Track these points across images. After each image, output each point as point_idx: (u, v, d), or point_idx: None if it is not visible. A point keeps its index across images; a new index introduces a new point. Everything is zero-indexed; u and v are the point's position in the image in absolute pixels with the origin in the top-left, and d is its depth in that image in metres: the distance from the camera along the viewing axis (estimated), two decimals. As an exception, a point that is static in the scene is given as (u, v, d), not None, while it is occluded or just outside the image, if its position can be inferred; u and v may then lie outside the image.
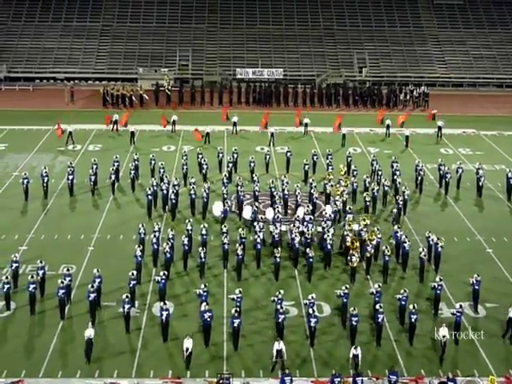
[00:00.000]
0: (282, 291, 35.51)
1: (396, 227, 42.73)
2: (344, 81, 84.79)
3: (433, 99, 79.13)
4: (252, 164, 53.62)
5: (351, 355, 31.44)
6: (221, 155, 55.71)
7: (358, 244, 41.24)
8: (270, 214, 44.71)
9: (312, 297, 34.98)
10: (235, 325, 33.09)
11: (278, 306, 34.23)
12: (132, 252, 39.44)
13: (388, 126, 66.08)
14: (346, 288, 35.88)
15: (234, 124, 66.21)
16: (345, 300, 35.34)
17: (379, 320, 33.63)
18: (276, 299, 34.61)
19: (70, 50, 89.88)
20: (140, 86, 78.87)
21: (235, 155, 55.28)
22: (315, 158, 55.46)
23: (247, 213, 45.70)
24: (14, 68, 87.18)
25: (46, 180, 50.13)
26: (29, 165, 57.17)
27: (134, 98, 76.07)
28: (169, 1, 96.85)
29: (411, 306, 34.21)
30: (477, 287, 36.85)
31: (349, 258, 39.68)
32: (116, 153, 56.78)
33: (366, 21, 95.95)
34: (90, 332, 31.85)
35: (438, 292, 36.45)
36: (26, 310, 35.84)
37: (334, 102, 79.14)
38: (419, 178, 52.35)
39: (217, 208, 46.11)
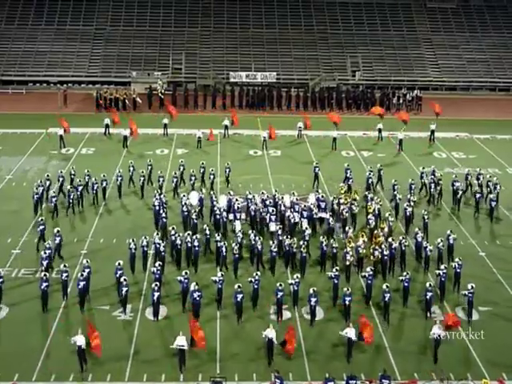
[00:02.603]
0: (258, 273, 37.54)
1: (417, 229, 43.41)
2: (337, 84, 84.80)
3: (426, 103, 79.22)
4: (212, 176, 51.61)
5: (344, 334, 32.62)
6: (182, 168, 52.90)
7: (380, 239, 41.78)
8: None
9: (297, 276, 37.09)
10: (238, 299, 35.28)
11: (256, 286, 36.49)
12: (124, 257, 39.57)
13: (380, 130, 66.19)
14: (337, 270, 37.79)
15: (226, 127, 66.14)
16: (336, 281, 37.24)
17: (386, 299, 35.82)
18: (253, 280, 36.55)
19: (63, 54, 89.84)
20: (133, 90, 78.84)
21: (202, 169, 52.87)
22: (349, 172, 52.68)
23: (223, 201, 46.90)
24: (6, 71, 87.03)
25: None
26: (22, 168, 57.17)
27: (127, 101, 76.06)
28: (162, 4, 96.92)
29: (427, 284, 36.35)
30: (458, 270, 38.66)
31: (371, 251, 40.60)
32: (109, 156, 57.63)
33: (359, 24, 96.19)
34: (81, 340, 31.50)
35: (443, 279, 37.81)
36: (19, 311, 36.00)
37: (327, 105, 79.24)
38: (435, 187, 51.57)
39: (194, 197, 47.55)
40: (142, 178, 51.15)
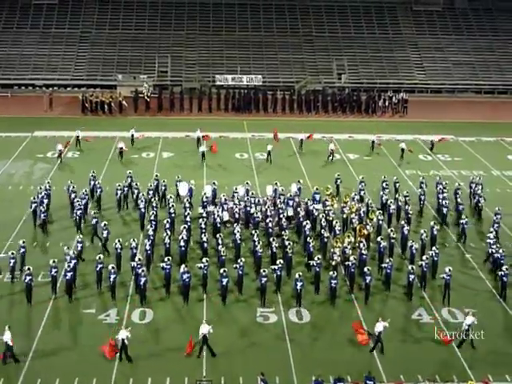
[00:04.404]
0: (243, 259, 39.37)
1: (403, 222, 45.57)
2: (323, 87, 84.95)
3: (411, 106, 79.59)
4: (163, 187, 50.15)
5: (376, 332, 33.48)
6: (129, 179, 50.89)
7: (365, 232, 43.40)
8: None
9: (280, 262, 38.91)
10: (224, 283, 37.44)
11: (240, 272, 38.58)
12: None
13: (373, 142, 64.24)
14: (319, 259, 39.40)
15: (198, 139, 63.34)
16: (317, 269, 38.88)
17: (367, 281, 37.92)
18: (238, 266, 38.64)
19: (48, 57, 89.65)
20: (119, 93, 78.74)
21: (155, 182, 50.86)
22: (363, 184, 51.41)
23: (208, 191, 48.70)
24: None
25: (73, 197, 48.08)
26: (7, 172, 57.04)
27: (113, 104, 76.00)
28: (148, 7, 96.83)
29: (410, 267, 38.72)
30: (436, 258, 40.67)
31: (357, 244, 41.63)
32: (95, 160, 57.79)
33: (344, 27, 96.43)
34: (7, 336, 32.07)
35: (425, 270, 39.36)
36: (4, 315, 35.95)
37: (313, 108, 79.37)
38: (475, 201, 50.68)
39: (183, 188, 49.38)
40: (120, 192, 49.17)
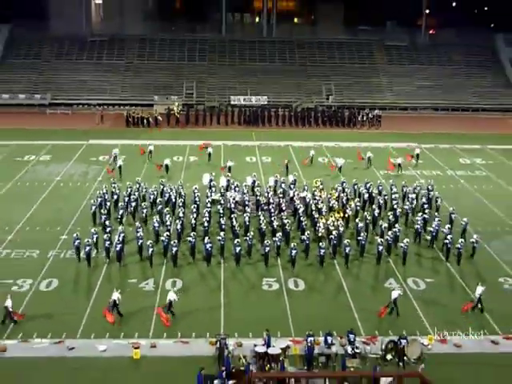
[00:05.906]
0: (252, 233, 40.26)
1: (374, 206, 45.91)
2: (315, 105, 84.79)
3: (384, 120, 79.38)
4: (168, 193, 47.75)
5: (392, 298, 33.43)
6: (138, 185, 48.59)
7: (341, 214, 44.25)
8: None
9: (279, 235, 40.18)
10: (237, 250, 38.59)
11: (250, 242, 39.61)
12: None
13: (369, 158, 60.04)
14: (308, 234, 40.57)
15: (209, 155, 60.36)
16: (307, 242, 39.98)
17: (347, 251, 39.00)
18: (248, 238, 39.62)
19: (100, 82, 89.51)
20: (155, 110, 78.83)
21: (161, 186, 48.57)
22: (356, 186, 49.91)
23: (223, 182, 49.74)
24: (56, 96, 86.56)
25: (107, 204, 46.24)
26: (68, 172, 57.09)
27: (150, 119, 75.97)
28: (178, 43, 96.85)
29: (379, 240, 39.76)
30: (398, 234, 41.44)
31: (337, 221, 42.58)
32: (135, 164, 57.62)
33: (331, 59, 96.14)
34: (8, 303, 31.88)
35: (390, 242, 40.77)
36: (66, 283, 36.20)
37: (306, 122, 79.25)
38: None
39: (206, 178, 50.38)
40: (152, 196, 47.05)
